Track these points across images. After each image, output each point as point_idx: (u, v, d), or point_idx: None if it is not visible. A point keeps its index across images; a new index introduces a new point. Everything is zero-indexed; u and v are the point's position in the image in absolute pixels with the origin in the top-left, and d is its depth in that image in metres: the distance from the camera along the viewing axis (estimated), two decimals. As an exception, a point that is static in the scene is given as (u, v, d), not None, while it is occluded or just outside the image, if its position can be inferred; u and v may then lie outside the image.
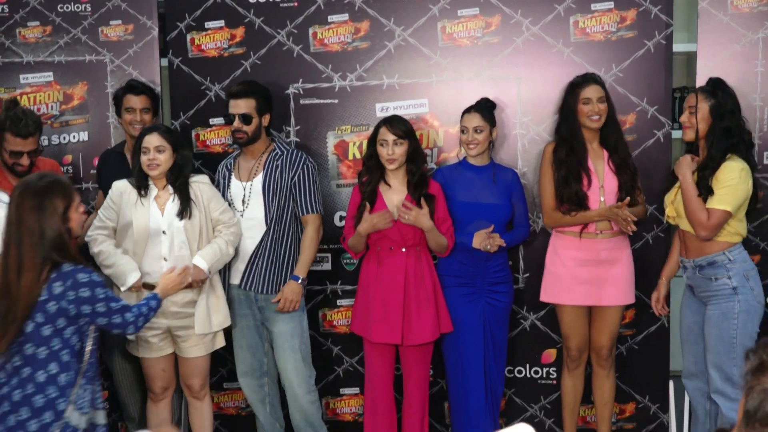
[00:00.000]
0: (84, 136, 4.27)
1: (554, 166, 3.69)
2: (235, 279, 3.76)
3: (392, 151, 3.59)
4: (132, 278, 3.46)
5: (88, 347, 2.80)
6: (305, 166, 3.74)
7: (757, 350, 0.91)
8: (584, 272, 3.68)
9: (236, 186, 3.76)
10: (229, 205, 3.73)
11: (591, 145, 3.69)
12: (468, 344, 3.72)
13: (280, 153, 3.75)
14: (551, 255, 3.78)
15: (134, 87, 3.92)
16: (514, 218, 3.81)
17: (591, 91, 3.63)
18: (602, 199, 3.64)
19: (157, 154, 3.49)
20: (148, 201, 3.54)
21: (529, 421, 4.08)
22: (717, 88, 3.44)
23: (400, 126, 3.60)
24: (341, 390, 4.27)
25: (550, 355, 4.13)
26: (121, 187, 3.58)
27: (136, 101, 3.89)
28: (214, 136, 4.20)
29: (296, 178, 3.72)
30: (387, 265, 3.64)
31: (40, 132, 3.74)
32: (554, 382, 4.11)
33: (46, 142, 4.23)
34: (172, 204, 3.54)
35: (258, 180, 3.72)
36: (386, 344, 3.69)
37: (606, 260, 3.66)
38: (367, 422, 3.82)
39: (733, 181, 3.32)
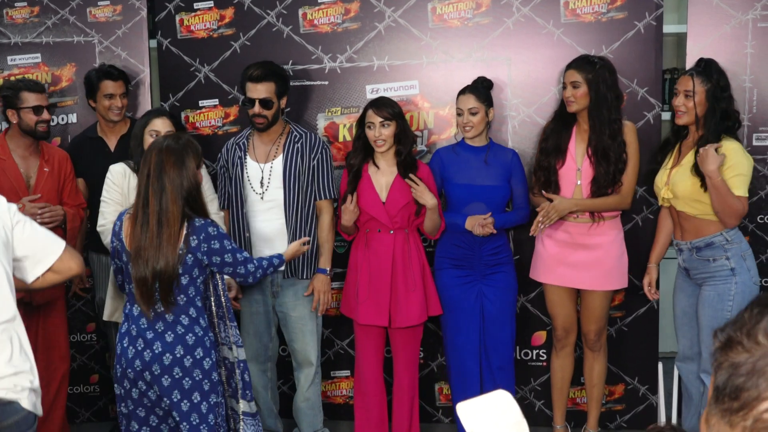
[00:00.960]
0: (72, 117, 4.25)
1: (540, 143, 3.73)
2: None
3: (379, 133, 3.58)
4: None
5: (221, 292, 3.08)
6: (324, 150, 3.74)
7: (724, 328, 0.92)
8: (563, 254, 3.68)
9: (254, 167, 3.71)
10: (243, 185, 3.71)
11: (581, 127, 3.69)
12: (461, 327, 3.74)
13: (299, 136, 3.73)
14: (538, 234, 3.79)
15: (111, 73, 3.91)
16: (513, 199, 3.78)
17: (567, 76, 3.61)
18: (579, 182, 3.64)
19: None
20: None
21: (519, 402, 4.06)
22: (713, 70, 3.41)
23: (387, 109, 3.59)
24: (332, 373, 4.27)
25: (539, 337, 4.14)
26: (121, 170, 3.52)
27: (114, 87, 3.89)
28: (204, 118, 4.18)
29: (315, 162, 3.70)
30: (374, 247, 3.65)
31: (47, 93, 3.86)
32: (544, 364, 4.13)
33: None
34: None
35: (278, 162, 3.69)
36: (374, 326, 3.70)
37: (585, 245, 3.66)
38: (357, 404, 3.83)
39: (744, 166, 3.33)
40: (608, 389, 4.10)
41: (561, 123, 3.70)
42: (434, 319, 4.03)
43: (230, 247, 2.98)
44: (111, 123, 3.94)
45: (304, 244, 3.36)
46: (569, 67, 3.62)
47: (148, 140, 3.43)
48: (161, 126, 3.46)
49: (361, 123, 3.65)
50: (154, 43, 4.19)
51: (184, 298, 2.95)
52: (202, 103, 4.16)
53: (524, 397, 4.19)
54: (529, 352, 4.14)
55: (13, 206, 2.38)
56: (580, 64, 3.59)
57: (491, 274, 3.72)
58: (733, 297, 3.37)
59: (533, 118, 3.97)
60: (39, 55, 4.21)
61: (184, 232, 2.89)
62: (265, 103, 3.62)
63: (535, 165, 3.74)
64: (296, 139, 3.71)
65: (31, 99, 3.70)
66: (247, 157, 3.73)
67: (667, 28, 3.97)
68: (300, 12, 4.06)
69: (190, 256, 2.90)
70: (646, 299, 4.00)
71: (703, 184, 3.34)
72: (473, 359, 3.73)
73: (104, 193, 3.53)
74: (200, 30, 4.12)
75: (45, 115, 3.72)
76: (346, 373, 4.26)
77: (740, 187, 3.32)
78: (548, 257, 3.73)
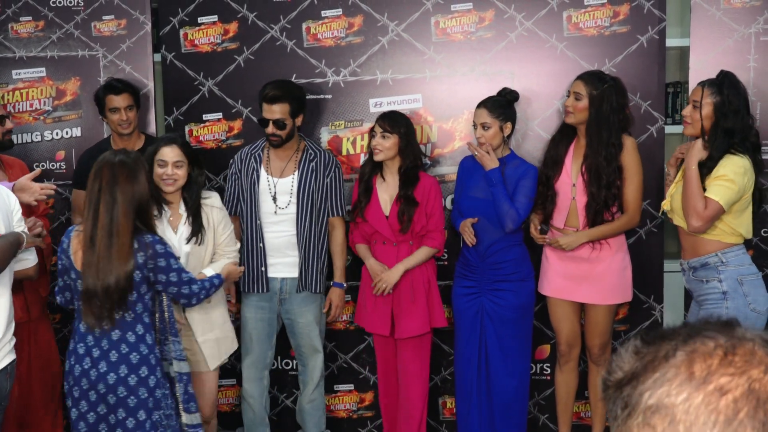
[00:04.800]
0: (77, 131, 4.25)
1: (544, 154, 3.76)
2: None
3: (377, 142, 3.66)
4: None
5: (166, 308, 3.08)
6: (337, 169, 3.83)
7: (606, 388, 0.99)
8: (564, 267, 3.68)
9: (267, 181, 3.77)
10: (258, 197, 3.74)
11: (579, 142, 3.67)
12: (460, 338, 3.79)
13: (314, 155, 3.80)
14: (544, 248, 3.79)
15: (114, 87, 3.87)
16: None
17: (573, 85, 3.62)
18: (573, 197, 3.63)
19: (175, 169, 3.33)
20: (162, 224, 3.38)
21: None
22: (725, 84, 3.25)
23: (388, 121, 3.68)
24: (335, 387, 4.26)
25: (543, 351, 4.12)
26: None
27: (118, 100, 3.85)
28: (208, 132, 4.19)
29: (328, 180, 3.78)
30: (378, 258, 3.74)
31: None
32: (548, 377, 4.11)
33: (38, 138, 4.22)
34: (184, 227, 3.42)
35: (294, 179, 3.76)
36: (382, 336, 3.82)
37: (585, 258, 3.63)
38: (383, 406, 3.98)
39: (730, 174, 3.16)
40: (613, 403, 4.07)
41: (562, 135, 3.70)
42: (438, 333, 4.03)
43: (176, 266, 3.00)
44: (124, 137, 3.91)
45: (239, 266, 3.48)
46: (577, 77, 3.63)
47: (157, 170, 3.33)
48: (170, 156, 3.34)
49: (372, 133, 3.74)
50: (158, 57, 4.20)
51: (132, 315, 2.96)
52: (206, 116, 4.17)
53: (528, 411, 4.16)
54: (533, 365, 4.12)
55: (19, 212, 2.92)
56: (589, 77, 3.58)
57: (494, 289, 3.71)
58: None
59: (536, 131, 3.98)
60: (43, 69, 4.22)
61: (135, 246, 2.89)
62: (279, 124, 3.68)
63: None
64: (311, 158, 3.78)
65: None
66: (262, 169, 3.79)
67: (670, 42, 3.98)
68: (304, 26, 4.07)
69: (137, 272, 2.91)
70: (651, 313, 4.00)
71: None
72: (470, 372, 3.76)
73: None
74: (204, 44, 4.14)
75: (8, 124, 3.66)
76: (350, 387, 4.25)
77: (718, 193, 3.14)
78: (552, 271, 3.72)
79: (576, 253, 3.64)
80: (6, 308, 2.83)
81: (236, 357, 3.92)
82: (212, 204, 3.48)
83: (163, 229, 3.38)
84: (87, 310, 2.91)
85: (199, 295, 3.12)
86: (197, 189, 3.42)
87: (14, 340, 2.91)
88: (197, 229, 3.41)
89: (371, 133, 3.71)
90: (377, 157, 3.67)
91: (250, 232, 3.76)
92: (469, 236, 3.65)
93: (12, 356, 2.89)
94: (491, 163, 3.61)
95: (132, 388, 2.93)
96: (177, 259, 3.02)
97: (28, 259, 3.01)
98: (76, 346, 2.99)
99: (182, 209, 3.42)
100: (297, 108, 3.73)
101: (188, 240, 3.41)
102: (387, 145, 3.65)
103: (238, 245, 3.62)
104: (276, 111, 3.67)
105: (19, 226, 2.96)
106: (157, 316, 3.06)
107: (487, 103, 3.67)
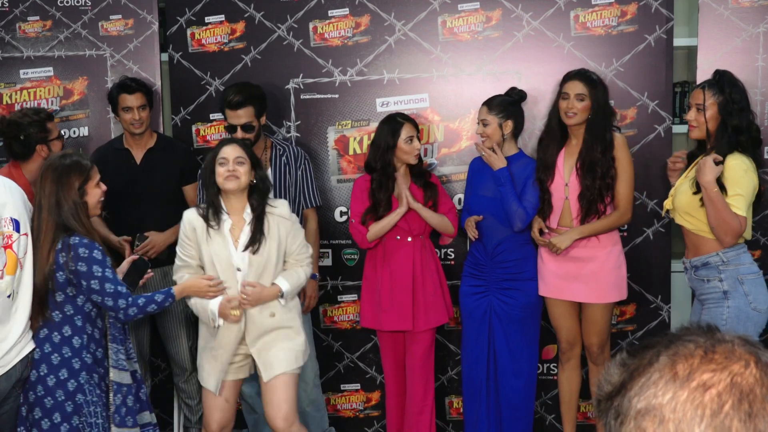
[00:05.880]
0: (84, 131, 4.27)
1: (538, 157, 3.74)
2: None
3: (417, 144, 3.69)
4: (214, 307, 3.20)
5: (106, 313, 3.01)
6: (306, 161, 3.87)
7: (598, 403, 1.01)
8: (558, 267, 3.65)
9: None
10: None
11: (572, 141, 3.66)
12: (468, 337, 3.79)
13: (282, 150, 3.83)
14: (539, 247, 3.75)
15: (128, 86, 3.89)
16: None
17: (570, 87, 3.56)
18: (566, 197, 3.61)
19: (236, 165, 3.16)
20: (222, 234, 3.22)
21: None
22: (725, 83, 3.24)
23: (416, 123, 3.76)
24: (342, 386, 4.26)
25: (550, 351, 4.12)
26: (193, 219, 3.24)
27: (132, 100, 3.87)
28: (215, 132, 4.20)
29: (300, 172, 3.82)
30: (394, 254, 3.73)
31: None
32: (555, 377, 4.11)
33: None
34: (245, 236, 3.23)
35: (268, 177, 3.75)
36: (396, 334, 3.81)
37: (578, 257, 3.61)
38: (391, 406, 3.94)
39: (743, 186, 3.14)
40: (619, 403, 4.07)
41: (550, 137, 3.66)
42: (444, 333, 4.03)
43: (100, 274, 2.88)
44: (136, 136, 3.93)
45: (210, 280, 3.18)
46: (572, 77, 3.58)
47: (219, 169, 3.18)
48: (231, 153, 3.18)
49: (394, 145, 3.64)
50: (165, 56, 4.21)
51: (60, 315, 2.91)
52: (213, 116, 4.18)
53: (535, 411, 4.16)
54: (540, 365, 4.12)
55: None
56: (585, 76, 3.56)
57: (503, 288, 3.71)
58: (725, 322, 3.13)
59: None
60: (51, 68, 4.24)
61: (58, 246, 2.89)
62: (247, 128, 3.70)
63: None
64: (280, 153, 3.83)
65: (54, 129, 3.76)
66: None
67: (678, 42, 3.97)
68: (310, 26, 4.07)
69: (60, 272, 2.88)
70: (658, 313, 3.99)
71: (699, 199, 3.18)
72: (479, 371, 3.77)
73: (177, 246, 3.33)
74: (211, 44, 4.14)
75: (62, 140, 3.82)
76: (356, 386, 4.25)
77: (739, 207, 3.11)
78: (547, 271, 3.70)
79: (570, 252, 3.62)
80: (28, 302, 2.92)
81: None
82: (280, 214, 3.27)
83: (223, 240, 3.22)
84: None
85: (127, 311, 2.93)
86: (264, 193, 3.24)
87: (31, 332, 2.97)
88: (256, 237, 3.21)
89: (406, 139, 3.63)
90: (417, 160, 3.71)
91: None
92: (471, 230, 3.66)
93: (32, 345, 2.95)
94: (499, 162, 3.62)
95: (50, 388, 2.88)
96: (107, 267, 2.91)
97: None
98: None
99: (247, 215, 3.23)
100: (261, 109, 3.75)
101: (246, 248, 3.22)
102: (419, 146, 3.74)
103: (310, 251, 3.42)
104: (242, 115, 3.68)
105: None
106: (107, 321, 3.02)
107: (489, 101, 3.69)
